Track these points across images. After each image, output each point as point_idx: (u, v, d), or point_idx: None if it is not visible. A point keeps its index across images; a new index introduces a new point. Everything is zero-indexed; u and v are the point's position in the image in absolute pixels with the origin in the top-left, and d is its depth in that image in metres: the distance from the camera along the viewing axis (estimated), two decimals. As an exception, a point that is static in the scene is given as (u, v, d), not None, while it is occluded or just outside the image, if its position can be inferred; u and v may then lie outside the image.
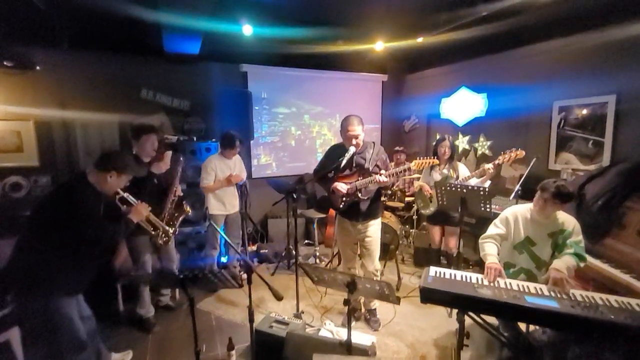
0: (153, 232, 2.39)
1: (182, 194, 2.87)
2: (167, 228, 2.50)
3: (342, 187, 2.50)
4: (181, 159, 2.96)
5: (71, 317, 1.88)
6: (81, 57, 3.80)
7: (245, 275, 1.97)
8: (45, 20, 3.27)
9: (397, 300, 1.64)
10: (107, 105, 3.95)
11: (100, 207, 1.92)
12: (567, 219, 2.18)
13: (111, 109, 3.96)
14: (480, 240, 2.36)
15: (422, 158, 2.34)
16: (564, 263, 2.02)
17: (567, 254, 2.09)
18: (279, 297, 1.66)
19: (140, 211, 2.11)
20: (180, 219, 2.76)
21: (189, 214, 2.77)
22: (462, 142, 4.70)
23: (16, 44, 3.22)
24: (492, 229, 2.36)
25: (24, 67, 2.99)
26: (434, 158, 2.35)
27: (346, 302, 1.70)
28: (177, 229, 2.71)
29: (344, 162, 2.45)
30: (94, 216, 1.84)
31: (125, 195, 2.05)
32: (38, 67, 3.20)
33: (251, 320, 1.75)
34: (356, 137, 2.47)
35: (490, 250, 2.23)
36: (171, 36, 3.43)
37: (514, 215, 2.31)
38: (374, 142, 2.62)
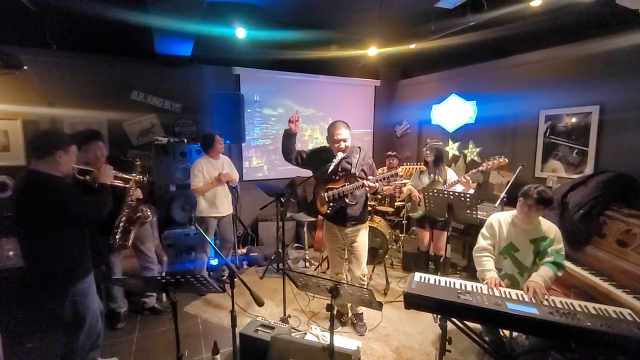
0: (126, 185, 2.41)
1: (141, 197, 2.69)
2: (138, 177, 2.49)
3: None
4: (137, 162, 2.66)
5: (93, 304, 1.96)
6: (71, 58, 3.79)
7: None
8: (34, 21, 3.25)
9: (379, 307, 1.66)
10: (96, 106, 3.93)
11: (69, 187, 1.89)
12: (549, 227, 2.23)
13: (101, 109, 3.95)
14: (475, 254, 2.37)
15: (409, 164, 2.37)
16: (540, 276, 2.07)
17: (546, 262, 2.14)
18: (259, 303, 1.66)
19: (105, 172, 2.08)
20: (137, 224, 2.62)
21: (148, 219, 2.69)
22: (452, 149, 4.76)
23: (3, 44, 3.19)
24: (482, 241, 2.38)
25: (11, 67, 2.97)
26: (421, 164, 2.38)
27: (329, 308, 1.72)
28: (132, 237, 2.61)
29: (331, 168, 2.47)
30: (71, 198, 1.82)
31: (81, 166, 2.07)
32: (26, 67, 3.17)
33: (234, 325, 1.75)
34: (344, 141, 2.49)
35: (488, 265, 2.25)
36: (162, 38, 3.43)
37: (498, 221, 2.35)
38: (359, 147, 2.64)
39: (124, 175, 2.41)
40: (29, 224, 1.78)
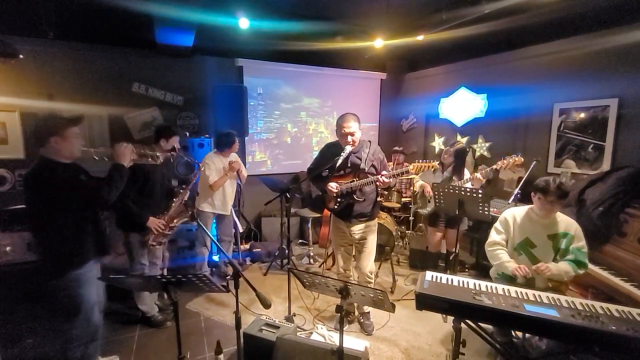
0: (155, 162, 2.32)
1: (186, 199, 2.81)
2: (158, 155, 2.36)
3: (332, 186, 2.42)
4: (174, 153, 2.84)
5: (90, 295, 1.94)
6: (70, 48, 3.68)
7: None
8: (30, 9, 3.14)
9: (392, 309, 1.56)
10: (96, 98, 3.84)
11: (78, 172, 1.90)
12: (568, 222, 2.14)
13: (101, 102, 3.85)
14: (488, 248, 2.31)
15: (420, 161, 2.27)
16: (557, 267, 2.03)
17: (567, 260, 2.04)
18: (266, 305, 1.57)
19: (124, 152, 2.00)
20: (179, 222, 2.69)
21: (193, 215, 2.67)
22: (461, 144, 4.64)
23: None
24: (494, 235, 2.31)
25: (5, 56, 2.87)
26: (432, 162, 2.28)
27: (339, 309, 1.62)
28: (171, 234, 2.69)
29: (340, 161, 2.37)
30: (78, 183, 1.83)
31: (93, 150, 2.02)
32: (21, 56, 3.08)
33: (238, 327, 1.67)
34: (352, 135, 2.39)
35: (505, 257, 2.22)
36: (163, 28, 3.32)
37: (513, 216, 2.26)
38: (369, 141, 2.53)
39: (148, 152, 2.28)
40: (28, 209, 1.82)
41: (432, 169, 3.35)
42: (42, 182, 1.75)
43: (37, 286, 2.00)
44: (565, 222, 2.14)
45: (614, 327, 1.64)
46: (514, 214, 2.27)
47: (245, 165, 4.75)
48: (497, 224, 2.33)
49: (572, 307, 1.81)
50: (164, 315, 2.83)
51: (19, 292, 2.89)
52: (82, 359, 1.93)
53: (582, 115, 3.25)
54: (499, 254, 2.23)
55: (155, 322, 2.76)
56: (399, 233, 4.46)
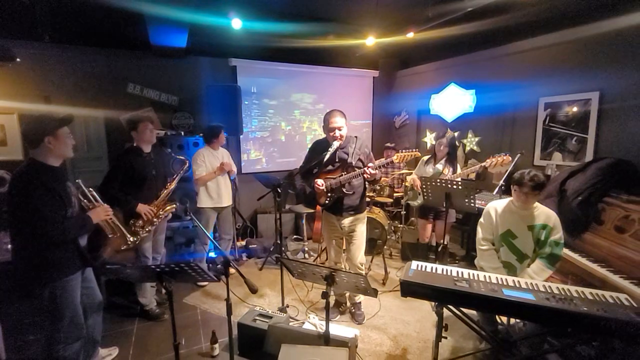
0: (110, 235, 2.32)
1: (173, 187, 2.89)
2: (127, 235, 2.42)
3: (318, 183, 2.51)
4: (168, 150, 3.06)
5: (75, 299, 1.91)
6: (65, 50, 3.76)
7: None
8: (26, 13, 3.21)
9: (374, 294, 1.66)
10: (93, 99, 3.91)
11: (63, 183, 1.86)
12: (547, 214, 2.21)
13: (97, 103, 3.93)
14: (478, 245, 2.38)
15: (404, 151, 2.36)
16: (531, 275, 2.15)
17: (543, 256, 2.16)
18: (253, 290, 1.67)
19: (99, 213, 2.03)
20: (166, 213, 2.78)
21: (186, 208, 2.75)
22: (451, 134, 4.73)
23: (-3, 37, 3.17)
24: (481, 231, 2.40)
25: (3, 59, 2.95)
26: (415, 150, 2.37)
27: (324, 295, 1.72)
28: (155, 226, 2.73)
29: (327, 156, 2.45)
30: (58, 198, 1.78)
31: (90, 191, 2.07)
32: (19, 60, 3.15)
33: (229, 313, 1.76)
34: (339, 129, 2.48)
35: (492, 261, 2.30)
36: (156, 29, 3.39)
37: (495, 209, 2.34)
38: (356, 137, 2.62)
39: (116, 225, 2.32)
40: (12, 212, 1.75)
41: (424, 161, 3.50)
42: (29, 186, 1.70)
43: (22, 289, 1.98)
44: (545, 213, 2.21)
45: (585, 308, 1.72)
46: (496, 206, 2.35)
47: (240, 163, 4.85)
48: (481, 219, 2.42)
49: (549, 291, 1.90)
50: (161, 309, 2.93)
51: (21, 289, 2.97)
52: (67, 359, 1.91)
53: (566, 108, 3.34)
54: (486, 255, 2.32)
55: (153, 314, 2.86)
56: (392, 228, 4.56)
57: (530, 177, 2.08)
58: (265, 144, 5.08)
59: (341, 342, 1.97)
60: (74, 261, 1.90)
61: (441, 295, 1.98)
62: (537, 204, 2.22)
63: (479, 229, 2.42)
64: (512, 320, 2.55)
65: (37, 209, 1.69)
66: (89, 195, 2.08)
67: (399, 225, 4.61)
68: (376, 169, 2.35)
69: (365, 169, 2.35)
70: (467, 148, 4.49)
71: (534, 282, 1.99)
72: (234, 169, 3.63)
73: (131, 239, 2.46)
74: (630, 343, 1.94)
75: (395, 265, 3.98)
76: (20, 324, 2.74)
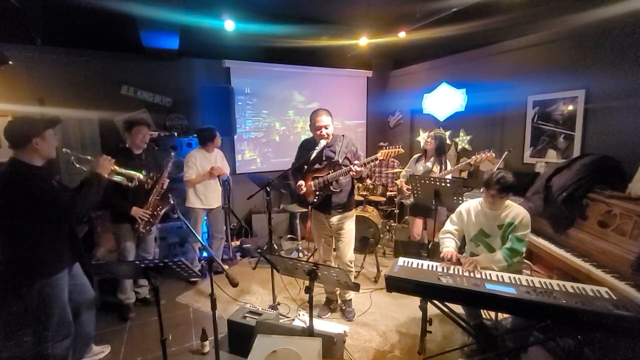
0: (130, 184, 2.38)
1: (165, 188, 2.93)
2: (141, 177, 2.44)
3: (301, 184, 2.59)
4: (172, 153, 3.05)
5: (62, 297, 1.93)
6: (58, 53, 3.79)
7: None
8: (18, 16, 3.25)
9: (356, 288, 1.69)
10: (86, 101, 3.94)
11: (50, 178, 1.89)
12: (517, 213, 2.21)
13: (91, 105, 3.96)
14: (440, 235, 2.45)
15: (387, 148, 2.40)
16: (486, 257, 2.19)
17: (504, 248, 2.19)
18: (234, 284, 1.70)
19: (104, 164, 2.04)
20: (164, 210, 2.83)
21: (174, 206, 2.79)
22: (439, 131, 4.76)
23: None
24: (449, 225, 2.46)
25: (-5, 62, 2.99)
26: (398, 147, 2.41)
27: (307, 290, 1.75)
28: (158, 221, 2.83)
29: (314, 155, 2.49)
30: (50, 191, 1.80)
31: (73, 157, 2.10)
32: (11, 62, 3.19)
33: (214, 307, 1.79)
34: (325, 128, 2.51)
35: (448, 243, 2.35)
36: (148, 31, 3.43)
37: (467, 209, 2.39)
38: (343, 135, 2.66)
39: (127, 171, 2.37)
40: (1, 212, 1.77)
41: (415, 159, 3.55)
42: (15, 187, 1.72)
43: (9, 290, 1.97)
44: (515, 212, 2.22)
45: (564, 301, 1.76)
46: (469, 207, 2.39)
47: (235, 163, 4.89)
48: (452, 215, 2.47)
49: (530, 285, 1.94)
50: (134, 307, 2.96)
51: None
52: (56, 356, 1.93)
53: (554, 106, 3.38)
54: (446, 240, 2.37)
55: (127, 310, 2.90)
56: (386, 226, 4.59)
57: (497, 179, 2.11)
58: (260, 144, 5.11)
59: (328, 338, 2.00)
60: (60, 260, 1.92)
61: (425, 290, 2.02)
62: (510, 203, 2.25)
63: (447, 223, 2.49)
64: (500, 317, 2.58)
65: (39, 199, 1.74)
66: (84, 159, 2.11)
67: (393, 224, 4.64)
68: (362, 166, 2.39)
69: (351, 166, 2.39)
70: (459, 147, 4.53)
71: (518, 276, 2.03)
72: (226, 170, 3.67)
73: (146, 177, 2.53)
74: (609, 335, 1.98)
75: (388, 263, 3.98)
76: (9, 323, 2.76)
